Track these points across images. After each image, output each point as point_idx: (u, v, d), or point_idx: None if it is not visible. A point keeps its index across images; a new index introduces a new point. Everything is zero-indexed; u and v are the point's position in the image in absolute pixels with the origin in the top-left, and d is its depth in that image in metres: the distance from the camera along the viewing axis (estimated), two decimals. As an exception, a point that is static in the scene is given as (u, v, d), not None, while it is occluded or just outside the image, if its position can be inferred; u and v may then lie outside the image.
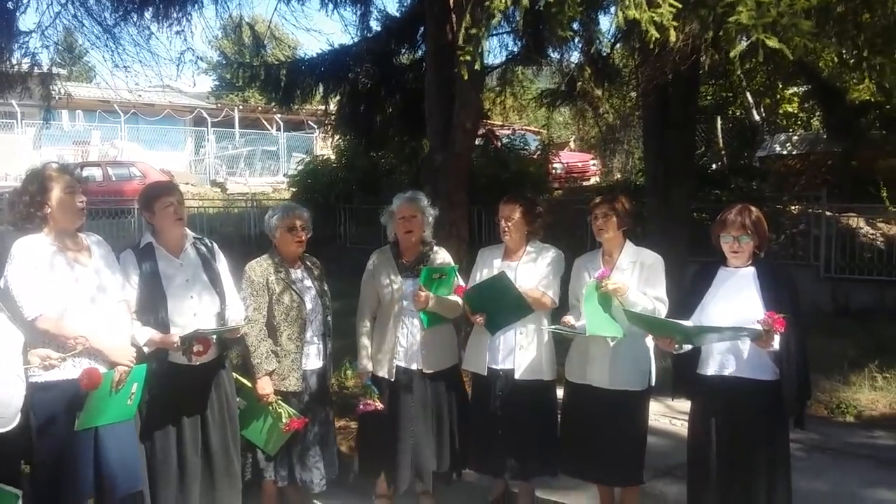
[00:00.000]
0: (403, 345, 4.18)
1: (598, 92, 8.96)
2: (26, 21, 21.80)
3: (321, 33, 23.99)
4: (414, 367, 4.17)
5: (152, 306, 3.63)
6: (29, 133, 23.23)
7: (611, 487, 4.13)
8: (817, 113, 15.67)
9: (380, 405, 4.14)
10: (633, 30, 3.89)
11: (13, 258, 3.21)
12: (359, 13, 9.17)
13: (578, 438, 3.98)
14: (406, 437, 4.13)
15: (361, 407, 4.19)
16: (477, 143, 8.80)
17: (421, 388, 4.17)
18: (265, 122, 28.92)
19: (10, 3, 7.14)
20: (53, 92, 8.06)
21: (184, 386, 3.70)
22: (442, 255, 4.34)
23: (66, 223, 3.35)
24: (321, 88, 9.47)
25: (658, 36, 3.73)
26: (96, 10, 7.64)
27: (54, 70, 8.23)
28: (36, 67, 7.72)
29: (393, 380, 4.18)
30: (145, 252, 3.71)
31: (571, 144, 23.85)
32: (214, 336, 3.72)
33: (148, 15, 7.66)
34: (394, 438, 4.15)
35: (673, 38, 3.77)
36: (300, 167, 16.46)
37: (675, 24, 3.75)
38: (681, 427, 5.21)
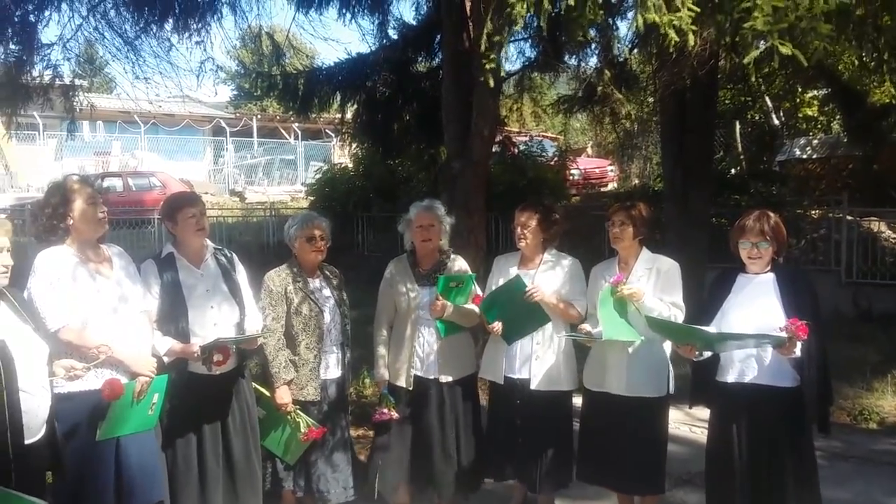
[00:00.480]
0: (420, 354, 4.18)
1: (618, 96, 8.93)
2: (48, 34, 22.06)
3: (339, 42, 24.26)
4: (431, 376, 4.17)
5: (173, 316, 3.65)
6: (50, 144, 23.52)
7: (631, 496, 4.10)
8: (837, 116, 15.56)
9: (395, 414, 4.14)
10: (651, 34, 3.89)
11: (36, 270, 3.25)
12: (376, 22, 9.24)
13: (597, 446, 3.96)
14: (423, 448, 4.13)
15: (377, 416, 4.19)
16: (494, 150, 8.80)
17: (438, 398, 4.16)
18: (283, 131, 29.09)
19: (31, 16, 7.26)
20: (76, 103, 8.17)
21: (204, 396, 3.72)
22: (459, 264, 4.34)
23: (88, 234, 3.39)
24: (338, 97, 9.54)
25: (678, 39, 3.73)
26: (117, 22, 7.75)
27: (76, 82, 8.34)
28: (58, 79, 7.83)
29: (410, 389, 4.18)
30: (166, 262, 3.74)
31: (589, 150, 23.81)
32: (234, 346, 3.74)
33: (168, 26, 7.76)
34: (411, 448, 4.15)
35: (692, 42, 3.76)
36: (318, 176, 16.54)
37: (693, 28, 3.74)
38: (700, 435, 5.16)
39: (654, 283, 3.87)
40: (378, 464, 4.24)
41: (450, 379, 4.17)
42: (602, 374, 3.94)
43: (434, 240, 4.22)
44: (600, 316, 3.78)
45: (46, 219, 3.35)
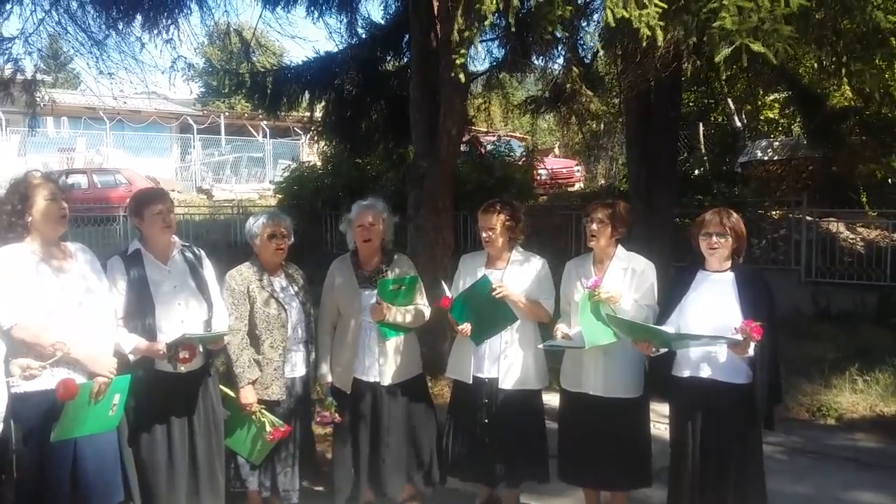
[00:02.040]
0: (361, 357, 4.14)
1: (587, 93, 9.00)
2: (9, 27, 21.63)
3: (306, 41, 24.07)
4: (372, 379, 4.13)
5: (140, 313, 3.61)
6: (13, 140, 23.03)
7: (597, 491, 4.13)
8: (798, 119, 15.84)
9: (338, 417, 4.13)
10: (620, 31, 3.92)
11: None
12: (344, 21, 9.22)
13: (578, 446, 3.96)
14: (365, 451, 4.12)
15: (319, 419, 4.19)
16: (462, 149, 8.83)
17: (378, 401, 4.13)
18: (251, 129, 28.86)
19: (-8, 9, 7.13)
20: (38, 99, 8.03)
21: (171, 394, 3.69)
22: (403, 264, 4.28)
23: (48, 231, 3.34)
24: (307, 95, 9.48)
25: (649, 34, 3.77)
26: (81, 17, 7.61)
27: (38, 77, 8.19)
28: (19, 74, 7.68)
29: (349, 392, 4.16)
30: (133, 258, 3.70)
31: (556, 150, 23.95)
32: (200, 344, 3.71)
33: (136, 23, 7.65)
34: (353, 452, 4.15)
35: (660, 38, 3.80)
36: (286, 174, 16.44)
37: (661, 23, 3.78)
38: (664, 431, 5.20)
39: (629, 282, 3.86)
40: (333, 465, 4.26)
41: (393, 382, 4.13)
42: (579, 374, 3.93)
43: (375, 240, 4.16)
44: (580, 323, 3.78)
45: (6, 216, 3.30)
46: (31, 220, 3.30)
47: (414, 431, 4.21)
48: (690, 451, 3.57)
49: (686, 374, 3.59)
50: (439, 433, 4.30)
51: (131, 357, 3.55)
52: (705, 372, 3.54)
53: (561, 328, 3.95)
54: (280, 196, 16.32)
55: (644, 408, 4.00)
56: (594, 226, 3.89)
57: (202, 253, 3.96)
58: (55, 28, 7.68)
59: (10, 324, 3.14)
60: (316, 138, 12.61)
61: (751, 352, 3.35)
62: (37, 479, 3.20)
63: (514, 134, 21.08)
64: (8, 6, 7.24)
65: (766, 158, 15.42)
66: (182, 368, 3.61)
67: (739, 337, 3.29)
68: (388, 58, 9.55)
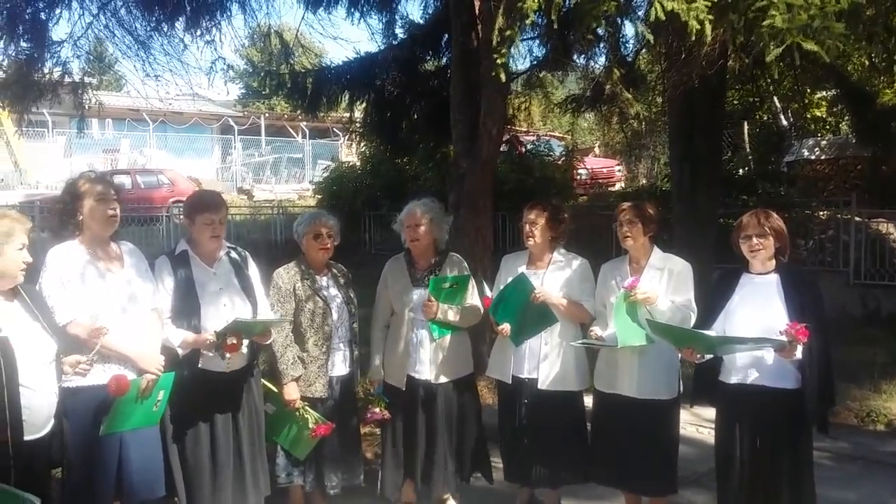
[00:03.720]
0: (414, 354, 4.17)
1: (627, 95, 8.91)
2: (58, 31, 22.14)
3: (347, 41, 24.18)
4: (424, 377, 4.15)
5: (186, 313, 3.67)
6: (59, 142, 23.59)
7: (639, 496, 4.09)
8: (846, 117, 15.48)
9: (387, 414, 4.15)
10: (667, 25, 3.85)
11: (47, 266, 3.30)
12: (384, 21, 9.25)
13: (610, 448, 3.95)
14: (415, 448, 4.14)
15: (368, 416, 4.21)
16: (501, 148, 8.81)
17: (432, 399, 4.15)
18: (291, 130, 29.13)
19: (42, 13, 7.29)
20: (85, 101, 8.20)
21: (216, 392, 3.74)
22: (456, 264, 4.31)
23: (98, 231, 3.43)
24: (347, 96, 9.52)
25: (698, 27, 3.71)
26: (127, 20, 7.76)
27: (85, 79, 8.36)
28: (67, 76, 7.86)
29: (404, 389, 4.18)
30: (180, 259, 3.77)
31: (596, 150, 23.78)
32: (246, 337, 3.74)
33: (179, 25, 7.78)
34: (405, 449, 4.17)
35: (709, 33, 3.74)
36: (326, 174, 16.58)
37: (710, 17, 3.72)
38: (707, 435, 5.17)
39: (665, 283, 3.84)
40: (382, 462, 4.30)
41: (443, 380, 4.16)
42: (613, 375, 3.92)
43: (423, 239, 4.18)
44: (615, 323, 3.76)
45: (58, 215, 3.42)
46: (82, 219, 3.40)
47: (461, 430, 4.22)
48: (739, 458, 3.51)
49: (734, 380, 3.54)
50: (482, 433, 4.30)
51: (180, 351, 3.61)
52: (753, 377, 3.48)
53: (595, 330, 3.93)
54: (319, 196, 16.47)
55: (676, 409, 3.97)
56: (625, 227, 3.88)
57: (247, 254, 4.03)
58: (103, 31, 7.84)
59: (66, 320, 3.23)
60: (356, 139, 12.67)
61: (798, 355, 3.28)
62: (85, 471, 3.28)
63: (553, 133, 20.97)
64: (57, 10, 7.40)
65: (813, 157, 15.12)
66: (227, 356, 3.63)
67: (785, 339, 3.22)
68: (428, 57, 9.57)
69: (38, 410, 2.97)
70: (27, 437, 2.90)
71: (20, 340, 2.90)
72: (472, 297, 4.27)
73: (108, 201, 3.45)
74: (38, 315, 3.07)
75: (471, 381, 4.36)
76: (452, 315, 4.13)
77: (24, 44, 7.26)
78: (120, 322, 3.35)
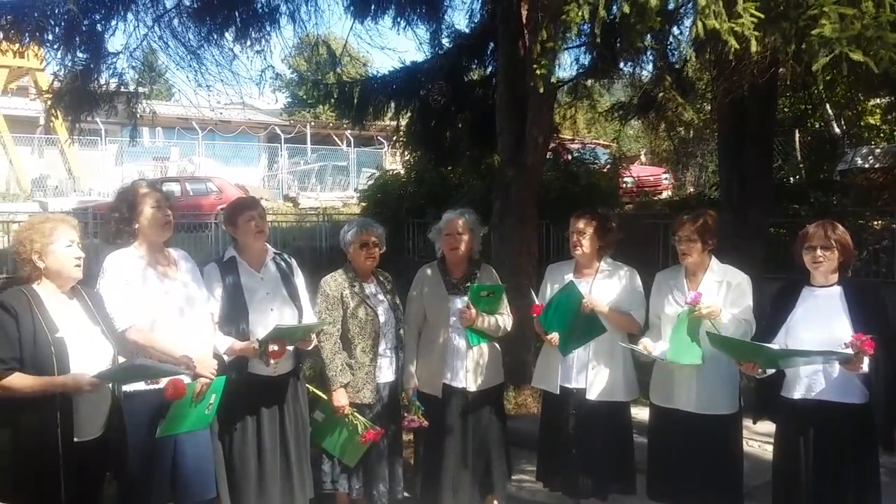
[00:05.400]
0: (450, 363, 4.17)
1: (679, 101, 8.80)
2: (114, 42, 22.71)
3: (394, 51, 24.32)
4: (459, 385, 4.16)
5: (234, 318, 3.75)
6: (111, 150, 24.21)
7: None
8: (901, 125, 15.10)
9: (425, 422, 4.16)
10: (710, 41, 3.83)
11: (105, 272, 3.39)
12: (430, 31, 9.30)
13: (669, 463, 3.86)
14: (450, 456, 4.14)
15: (406, 423, 4.23)
16: (547, 157, 8.77)
17: (466, 407, 4.16)
18: (336, 138, 29.44)
19: (98, 25, 7.49)
20: (138, 110, 8.40)
21: (263, 396, 3.81)
22: (490, 274, 4.32)
23: (153, 237, 3.52)
24: (393, 105, 9.60)
25: (738, 46, 3.67)
26: (181, 31, 7.94)
27: (139, 89, 8.57)
28: (122, 87, 8.07)
29: (440, 397, 4.19)
30: (228, 266, 3.85)
31: (642, 158, 23.53)
32: (291, 343, 3.79)
33: (229, 35, 7.94)
34: (441, 457, 4.16)
35: (755, 48, 3.69)
36: (370, 182, 16.67)
37: (756, 34, 3.68)
38: (758, 449, 5.06)
39: (724, 296, 3.75)
40: (419, 470, 4.32)
41: (478, 388, 4.16)
42: (670, 389, 3.84)
43: (462, 248, 4.20)
44: (671, 338, 3.70)
45: (115, 223, 3.51)
46: (138, 226, 3.48)
47: (490, 439, 4.22)
48: (802, 474, 3.41)
49: (797, 394, 3.44)
50: (507, 442, 4.32)
51: (226, 358, 3.67)
52: (817, 391, 3.38)
53: (644, 342, 3.87)
54: (364, 204, 16.54)
55: (738, 424, 3.87)
56: (682, 245, 3.79)
57: (293, 261, 4.10)
58: (157, 42, 8.03)
59: (126, 326, 3.31)
60: (400, 147, 12.73)
61: (865, 368, 3.19)
62: (141, 472, 3.35)
63: (598, 141, 20.81)
64: (113, 22, 7.61)
65: (866, 166, 14.73)
66: (272, 362, 3.68)
67: (850, 352, 3.13)
68: (474, 66, 9.59)
69: (93, 412, 3.04)
70: (81, 439, 2.96)
71: (77, 342, 2.98)
72: (504, 309, 4.27)
73: (164, 208, 3.54)
74: (97, 318, 3.15)
75: (501, 391, 4.39)
76: (489, 324, 4.14)
77: (80, 55, 7.46)
78: (178, 326, 3.44)
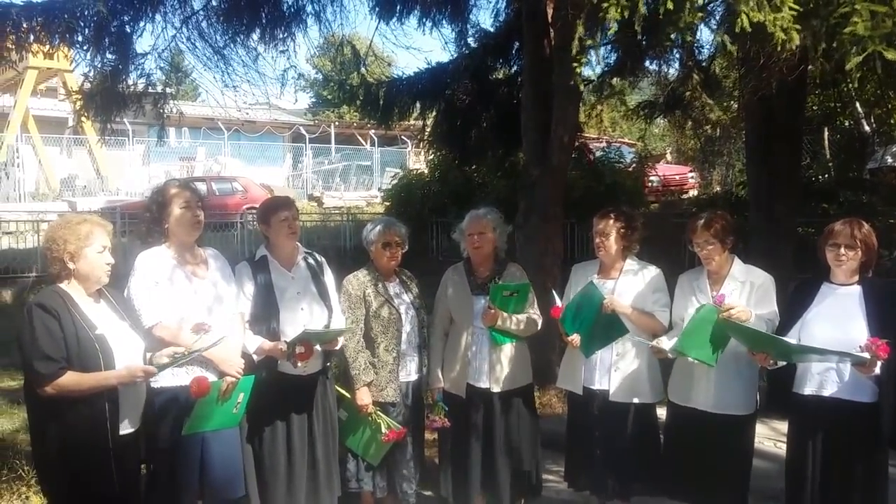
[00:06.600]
0: (474, 363, 4.17)
1: (707, 101, 8.72)
2: (142, 43, 22.95)
3: (420, 51, 24.37)
4: (484, 385, 4.15)
5: (265, 317, 3.78)
6: (138, 150, 24.49)
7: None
8: (933, 122, 14.83)
9: (447, 422, 4.16)
10: (752, 35, 3.78)
11: (136, 270, 3.44)
12: (456, 30, 9.30)
13: (683, 462, 3.86)
14: (474, 457, 4.14)
15: (430, 424, 4.23)
16: (571, 155, 8.73)
17: (490, 408, 4.15)
18: (360, 138, 29.54)
19: (127, 26, 7.58)
20: (166, 111, 8.49)
21: (292, 395, 3.84)
22: (515, 273, 4.28)
23: (183, 236, 3.55)
24: (418, 106, 9.62)
25: (784, 37, 3.62)
26: (208, 32, 8.01)
27: (166, 90, 8.65)
28: (150, 87, 8.15)
29: (464, 397, 4.18)
30: (260, 264, 3.88)
31: (668, 156, 23.34)
32: (317, 343, 3.81)
33: (255, 36, 7.99)
34: (463, 457, 4.17)
35: (796, 41, 3.65)
36: (394, 181, 16.72)
37: (797, 27, 3.64)
38: (775, 448, 5.01)
39: (747, 297, 3.73)
40: (444, 470, 4.32)
41: (503, 389, 4.14)
42: (688, 388, 3.84)
43: (485, 247, 4.19)
44: (685, 327, 3.68)
45: (146, 223, 3.55)
46: (168, 226, 3.52)
47: (519, 440, 4.20)
48: (811, 472, 3.42)
49: (808, 391, 3.45)
50: (538, 443, 4.30)
51: (255, 357, 3.70)
52: (828, 390, 3.39)
53: (661, 341, 3.80)
54: (388, 203, 16.60)
55: (752, 425, 3.86)
56: (704, 251, 3.76)
57: (323, 260, 4.12)
58: (185, 44, 8.11)
59: (153, 323, 3.35)
60: (425, 147, 12.74)
61: (877, 371, 3.18)
62: (170, 469, 3.39)
63: (623, 139, 20.69)
64: (141, 24, 7.69)
65: (896, 164, 14.51)
66: (299, 364, 3.71)
67: (866, 355, 3.11)
68: (499, 66, 9.58)
69: (131, 406, 3.10)
70: (121, 432, 3.03)
71: (113, 338, 3.04)
72: (532, 307, 4.24)
73: (194, 207, 3.57)
74: (124, 315, 3.19)
75: (529, 391, 4.35)
76: (513, 323, 4.12)
77: (109, 56, 7.54)
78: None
